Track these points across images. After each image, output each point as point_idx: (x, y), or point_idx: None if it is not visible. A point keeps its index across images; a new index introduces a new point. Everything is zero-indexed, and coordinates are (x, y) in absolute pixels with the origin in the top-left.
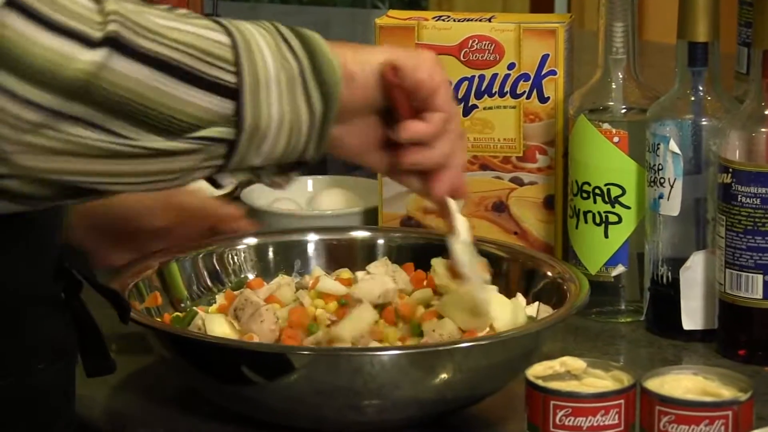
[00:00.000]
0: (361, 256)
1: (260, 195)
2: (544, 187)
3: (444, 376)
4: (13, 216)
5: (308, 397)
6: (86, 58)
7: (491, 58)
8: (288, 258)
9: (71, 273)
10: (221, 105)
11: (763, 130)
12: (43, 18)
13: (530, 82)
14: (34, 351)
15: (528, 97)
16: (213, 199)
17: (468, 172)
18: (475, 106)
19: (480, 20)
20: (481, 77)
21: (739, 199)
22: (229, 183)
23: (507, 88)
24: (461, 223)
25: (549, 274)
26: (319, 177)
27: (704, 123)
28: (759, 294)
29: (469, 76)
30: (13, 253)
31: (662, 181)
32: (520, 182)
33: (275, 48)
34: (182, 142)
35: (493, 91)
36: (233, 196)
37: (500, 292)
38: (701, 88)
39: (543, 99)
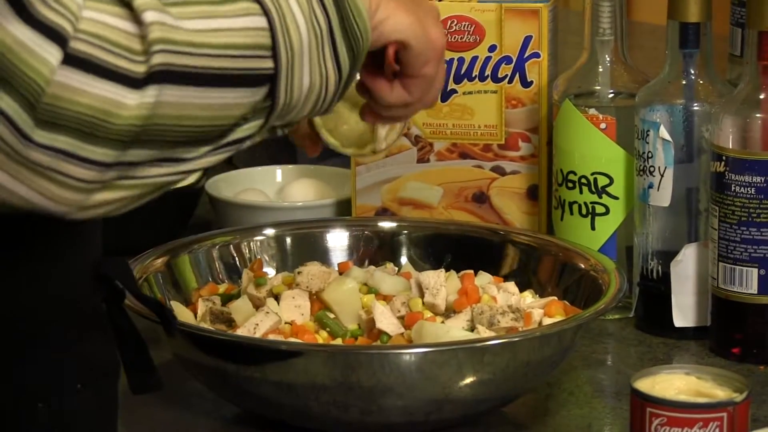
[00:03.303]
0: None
1: (226, 186)
2: (527, 177)
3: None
4: (49, 221)
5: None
6: (134, 102)
7: (471, 40)
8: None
9: (111, 282)
10: (258, 93)
11: (758, 115)
12: (93, 63)
13: (512, 65)
14: (72, 370)
15: (510, 81)
16: None
17: (447, 161)
18: (454, 91)
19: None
20: (461, 60)
21: (733, 188)
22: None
23: (488, 72)
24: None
25: (582, 266)
26: (289, 166)
27: (696, 108)
28: (754, 289)
29: (447, 59)
30: (50, 262)
31: (652, 169)
32: (501, 171)
33: (307, 9)
34: (223, 140)
35: (473, 75)
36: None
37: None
38: (693, 72)
39: (526, 83)
